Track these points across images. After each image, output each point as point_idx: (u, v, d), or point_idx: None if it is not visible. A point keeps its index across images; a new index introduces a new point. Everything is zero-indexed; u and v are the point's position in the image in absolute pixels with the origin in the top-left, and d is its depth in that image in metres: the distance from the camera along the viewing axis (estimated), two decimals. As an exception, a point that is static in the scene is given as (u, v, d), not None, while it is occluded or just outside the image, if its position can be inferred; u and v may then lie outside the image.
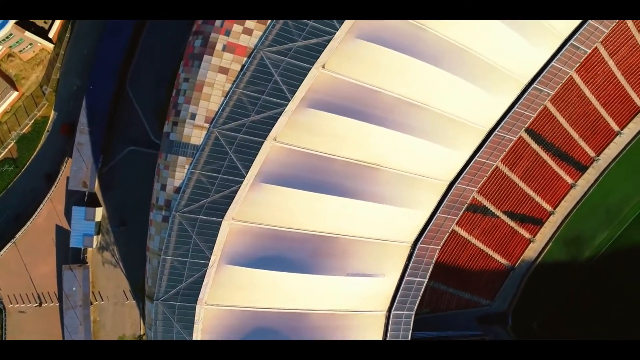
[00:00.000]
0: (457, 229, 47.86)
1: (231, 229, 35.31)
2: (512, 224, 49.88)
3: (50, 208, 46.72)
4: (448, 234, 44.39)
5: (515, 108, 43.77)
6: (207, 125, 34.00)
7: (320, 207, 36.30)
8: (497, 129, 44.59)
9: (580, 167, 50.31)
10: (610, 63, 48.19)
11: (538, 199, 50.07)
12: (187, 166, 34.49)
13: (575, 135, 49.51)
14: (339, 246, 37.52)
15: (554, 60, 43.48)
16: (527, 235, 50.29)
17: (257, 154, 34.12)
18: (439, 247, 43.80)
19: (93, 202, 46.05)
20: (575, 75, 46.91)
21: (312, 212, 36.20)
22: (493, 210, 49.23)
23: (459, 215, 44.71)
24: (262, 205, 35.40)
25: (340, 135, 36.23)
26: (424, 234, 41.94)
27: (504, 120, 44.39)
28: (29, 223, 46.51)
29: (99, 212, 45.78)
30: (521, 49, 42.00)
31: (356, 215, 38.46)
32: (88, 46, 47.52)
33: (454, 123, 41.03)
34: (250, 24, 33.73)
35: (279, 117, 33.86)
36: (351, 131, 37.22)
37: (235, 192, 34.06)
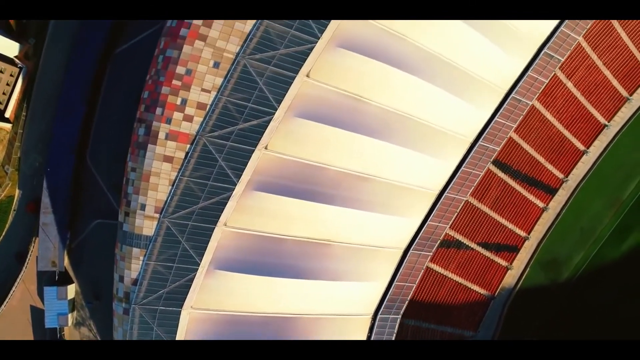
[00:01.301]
0: (432, 266, 47.78)
1: (191, 317, 35.21)
2: (487, 254, 49.75)
3: (23, 289, 46.59)
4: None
5: (479, 142, 44.06)
6: (157, 215, 33.88)
7: (277, 289, 36.19)
8: (464, 165, 44.75)
9: (550, 190, 50.14)
10: (569, 85, 47.97)
11: (511, 226, 49.91)
12: (141, 257, 34.40)
13: (542, 160, 49.31)
14: (299, 326, 37.42)
15: (514, 92, 43.74)
16: (503, 263, 50.17)
17: (209, 240, 34.00)
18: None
19: (65, 280, 45.89)
20: (535, 101, 46.72)
21: (269, 295, 36.06)
22: (467, 243, 49.07)
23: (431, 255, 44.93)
24: (219, 292, 35.27)
25: (290, 215, 36.15)
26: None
27: (470, 155, 44.59)
28: (3, 306, 46.34)
29: (72, 290, 45.63)
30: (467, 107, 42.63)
31: (314, 295, 38.71)
32: (46, 122, 47.31)
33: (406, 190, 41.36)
34: (190, 110, 33.59)
35: (227, 202, 33.72)
36: (301, 210, 37.45)
37: (192, 280, 33.94)
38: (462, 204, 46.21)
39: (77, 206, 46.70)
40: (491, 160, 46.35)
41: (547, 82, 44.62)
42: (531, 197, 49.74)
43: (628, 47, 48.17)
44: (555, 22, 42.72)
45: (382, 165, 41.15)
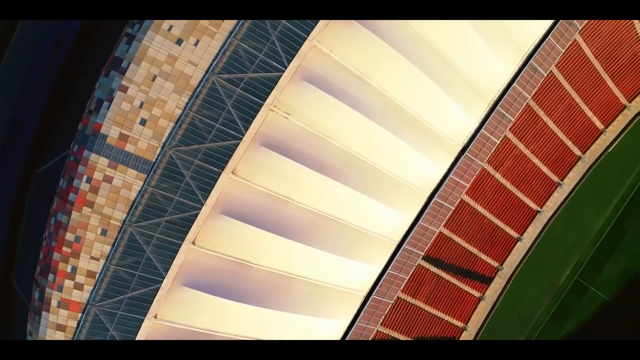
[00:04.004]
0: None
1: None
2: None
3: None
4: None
5: (404, 245, 43.38)
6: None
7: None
8: (389, 267, 44.19)
9: (485, 280, 49.73)
10: (497, 176, 47.33)
11: (447, 318, 49.53)
12: None
13: (475, 251, 48.82)
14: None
15: (435, 196, 43.02)
16: (442, 355, 49.79)
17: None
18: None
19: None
20: (464, 196, 46.11)
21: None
22: (403, 339, 48.73)
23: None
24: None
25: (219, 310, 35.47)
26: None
27: (397, 255, 44.02)
28: None
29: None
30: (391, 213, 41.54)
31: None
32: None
33: (333, 291, 40.48)
34: (80, 278, 33.06)
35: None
36: (225, 308, 36.52)
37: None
38: (392, 303, 45.66)
39: (5, 330, 46.09)
40: (419, 259, 45.78)
41: (467, 186, 43.86)
42: (466, 288, 49.34)
43: (555, 134, 47.51)
44: (476, 124, 41.63)
45: (308, 268, 40.43)
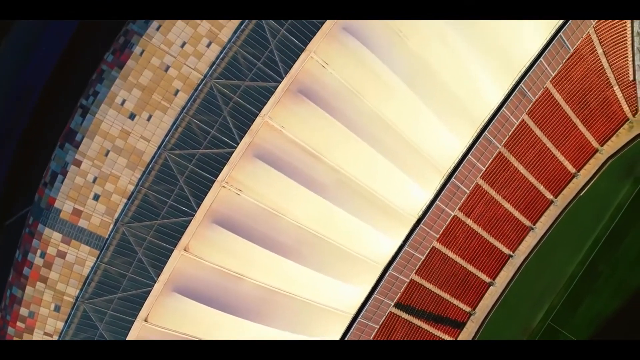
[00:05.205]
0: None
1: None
2: (397, 393, 49.21)
3: None
4: None
5: (374, 294, 43.07)
6: None
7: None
8: (360, 316, 43.93)
9: (457, 325, 49.42)
10: (469, 222, 46.94)
11: (420, 363, 49.26)
12: None
13: (447, 296, 48.48)
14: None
15: (406, 246, 42.65)
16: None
17: None
18: None
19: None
20: (435, 242, 45.75)
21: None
22: (375, 386, 48.52)
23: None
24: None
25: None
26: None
27: (368, 304, 43.73)
28: None
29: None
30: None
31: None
32: None
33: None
34: None
35: None
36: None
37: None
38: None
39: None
40: (391, 307, 45.53)
41: (437, 236, 43.52)
42: (438, 333, 49.03)
43: (527, 179, 47.10)
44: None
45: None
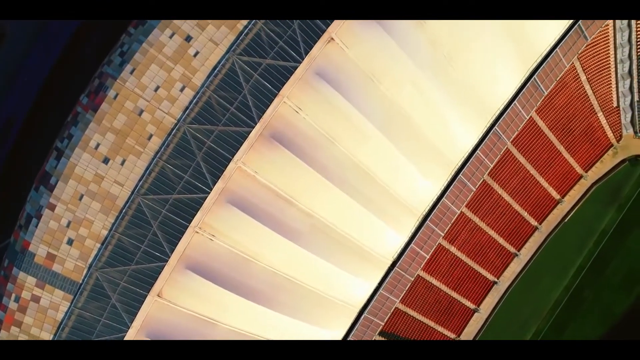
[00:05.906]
0: None
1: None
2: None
3: None
4: None
5: (364, 314, 42.79)
6: None
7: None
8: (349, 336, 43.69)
9: (442, 351, 49.26)
10: (453, 249, 46.77)
11: (405, 390, 49.17)
12: None
13: (431, 323, 48.32)
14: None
15: (381, 289, 42.21)
16: None
17: None
18: None
19: None
20: (420, 271, 45.47)
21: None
22: (359, 414, 48.43)
23: None
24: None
25: None
26: None
27: (355, 328, 43.45)
28: None
29: None
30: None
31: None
32: None
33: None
34: None
35: None
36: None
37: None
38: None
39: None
40: (375, 334, 45.35)
41: (427, 256, 43.08)
42: (423, 360, 48.83)
43: (511, 206, 46.87)
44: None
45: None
